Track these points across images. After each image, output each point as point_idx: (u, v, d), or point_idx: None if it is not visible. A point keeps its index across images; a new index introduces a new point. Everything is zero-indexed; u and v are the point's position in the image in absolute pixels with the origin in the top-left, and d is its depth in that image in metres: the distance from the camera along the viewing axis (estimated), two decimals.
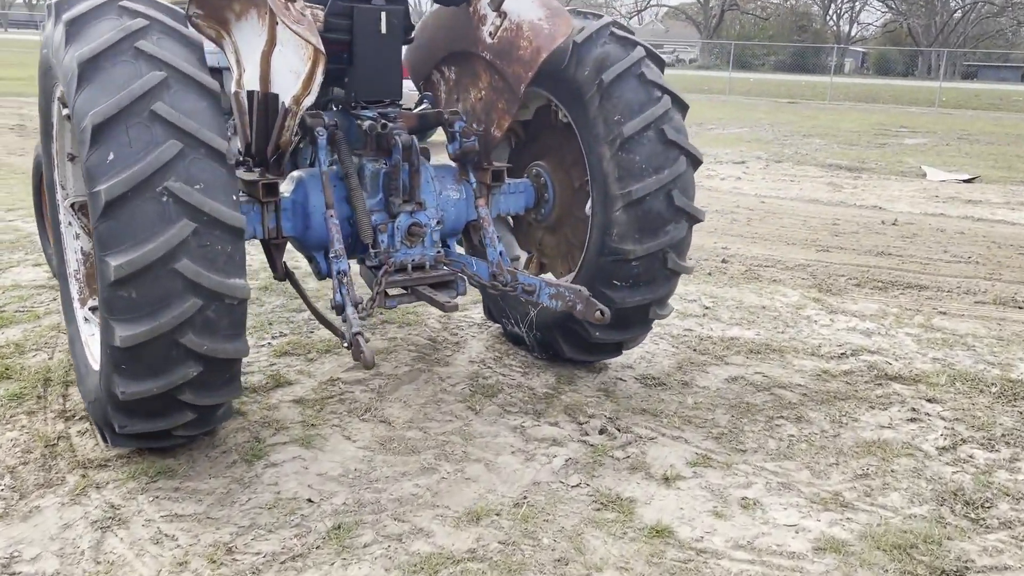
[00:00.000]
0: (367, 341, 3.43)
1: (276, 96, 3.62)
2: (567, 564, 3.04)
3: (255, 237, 3.74)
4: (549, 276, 4.12)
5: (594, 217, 4.19)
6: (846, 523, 3.37)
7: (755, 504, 3.50)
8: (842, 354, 5.30)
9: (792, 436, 4.15)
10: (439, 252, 4.06)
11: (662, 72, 4.14)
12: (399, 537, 3.16)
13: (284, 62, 3.68)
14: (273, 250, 3.89)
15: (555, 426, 4.17)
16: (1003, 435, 4.19)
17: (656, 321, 4.53)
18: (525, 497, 3.48)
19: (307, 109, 3.65)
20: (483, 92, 4.19)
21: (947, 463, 3.91)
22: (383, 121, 3.88)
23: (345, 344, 3.50)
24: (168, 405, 3.20)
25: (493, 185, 4.31)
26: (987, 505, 3.53)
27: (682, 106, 4.12)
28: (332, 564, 2.99)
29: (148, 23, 3.10)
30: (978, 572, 3.07)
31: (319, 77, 3.53)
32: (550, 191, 4.60)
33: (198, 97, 3.05)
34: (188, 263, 2.92)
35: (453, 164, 4.31)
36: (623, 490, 3.57)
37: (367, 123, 3.88)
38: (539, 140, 4.82)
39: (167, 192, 2.88)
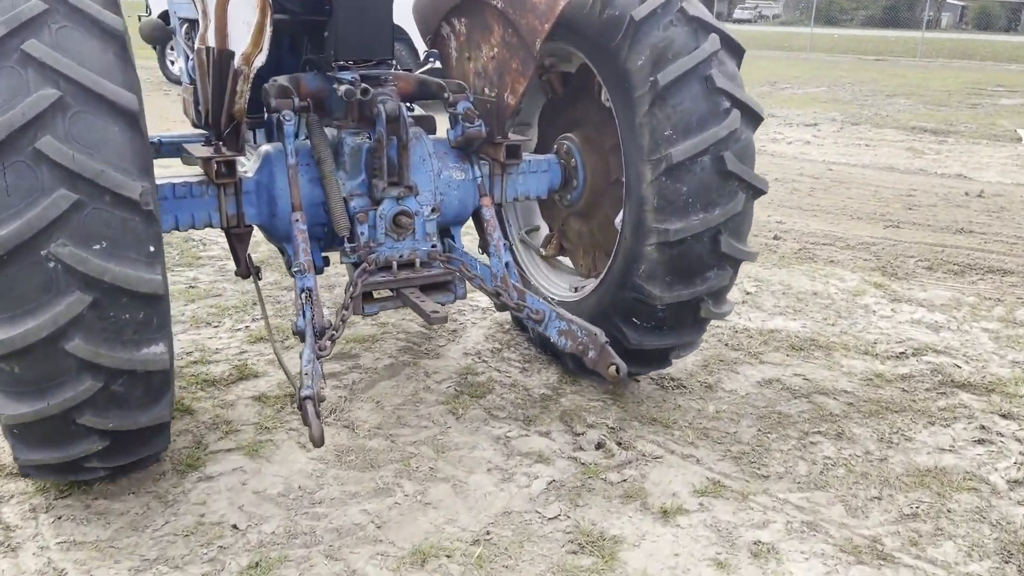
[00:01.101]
0: (318, 410, 2.69)
1: (231, 55, 3.06)
2: None
3: (210, 225, 3.18)
4: (564, 311, 3.37)
5: (623, 240, 3.46)
6: None
7: (770, 551, 2.86)
8: (901, 353, 4.54)
9: (828, 459, 3.47)
10: (433, 247, 3.41)
11: (739, 66, 3.31)
12: None
13: (239, 12, 3.13)
14: (235, 240, 3.31)
15: (545, 436, 3.58)
16: None
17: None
18: (488, 533, 2.92)
19: (280, 78, 3.31)
20: (495, 49, 3.49)
21: (1019, 502, 3.18)
22: (363, 86, 3.18)
23: (294, 404, 2.86)
24: (74, 467, 2.73)
25: (508, 163, 3.58)
26: None
27: (754, 119, 3.28)
28: None
29: (47, 7, 2.28)
30: None
31: (268, 30, 2.98)
32: (580, 175, 3.82)
33: (108, 121, 2.30)
34: (81, 343, 2.33)
35: None
36: (609, 526, 2.97)
37: (344, 88, 3.18)
38: (577, 105, 3.99)
39: (54, 258, 2.25)
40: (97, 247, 2.29)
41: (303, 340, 2.96)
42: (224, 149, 3.13)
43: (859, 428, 3.72)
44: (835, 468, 3.40)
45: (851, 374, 4.27)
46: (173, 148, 4.32)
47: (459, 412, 3.75)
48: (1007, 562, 2.83)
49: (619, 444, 3.53)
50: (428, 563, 2.74)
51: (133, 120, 2.36)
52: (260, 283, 3.38)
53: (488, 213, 3.54)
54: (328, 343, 2.92)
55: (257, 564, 2.71)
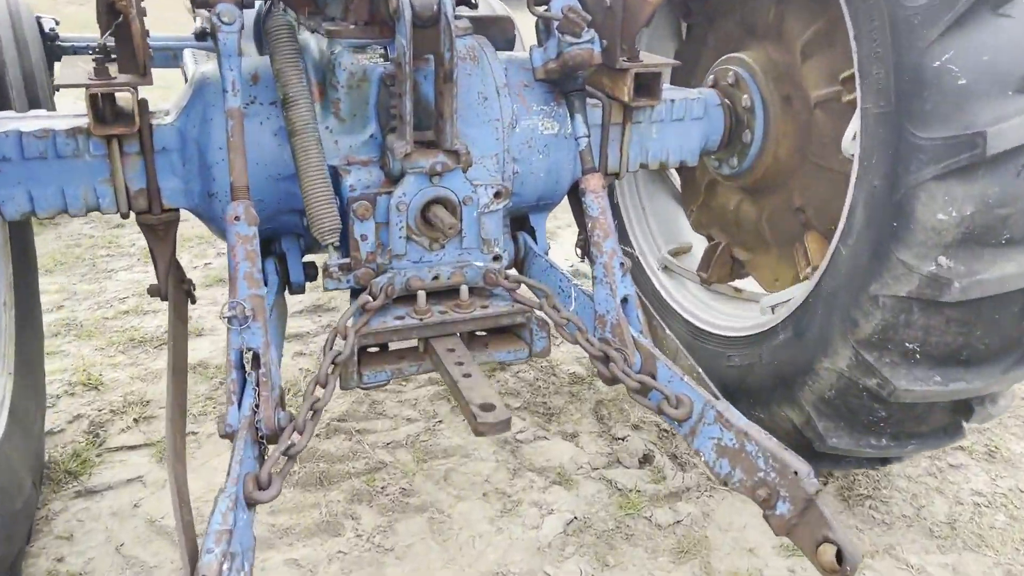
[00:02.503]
0: None
1: None
2: None
3: (96, 208, 1.86)
4: (732, 410, 1.68)
5: (841, 258, 1.98)
6: None
7: None
8: None
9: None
10: (495, 259, 1.97)
11: None
12: None
13: None
14: (148, 236, 1.96)
15: (571, 441, 2.58)
16: None
17: None
18: None
19: None
20: None
21: None
22: None
23: None
24: None
25: (638, 104, 2.15)
26: None
27: None
28: None
29: None
30: None
31: None
32: (759, 119, 2.33)
33: None
34: None
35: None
36: None
37: None
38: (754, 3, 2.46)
39: None
40: None
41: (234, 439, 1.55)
42: (115, 71, 1.80)
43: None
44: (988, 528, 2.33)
45: None
46: (169, 56, 3.17)
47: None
48: None
49: (674, 459, 2.50)
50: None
51: None
52: (192, 307, 2.07)
53: (596, 198, 2.00)
54: (279, 460, 1.45)
55: None
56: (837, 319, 1.96)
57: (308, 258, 2.12)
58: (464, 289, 1.90)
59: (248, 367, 1.58)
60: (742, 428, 1.61)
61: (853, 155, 1.95)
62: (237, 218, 1.67)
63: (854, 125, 1.97)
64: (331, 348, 1.67)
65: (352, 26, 1.94)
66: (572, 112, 2.07)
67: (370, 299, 1.80)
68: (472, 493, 2.34)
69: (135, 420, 2.61)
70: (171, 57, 3.14)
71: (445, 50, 1.75)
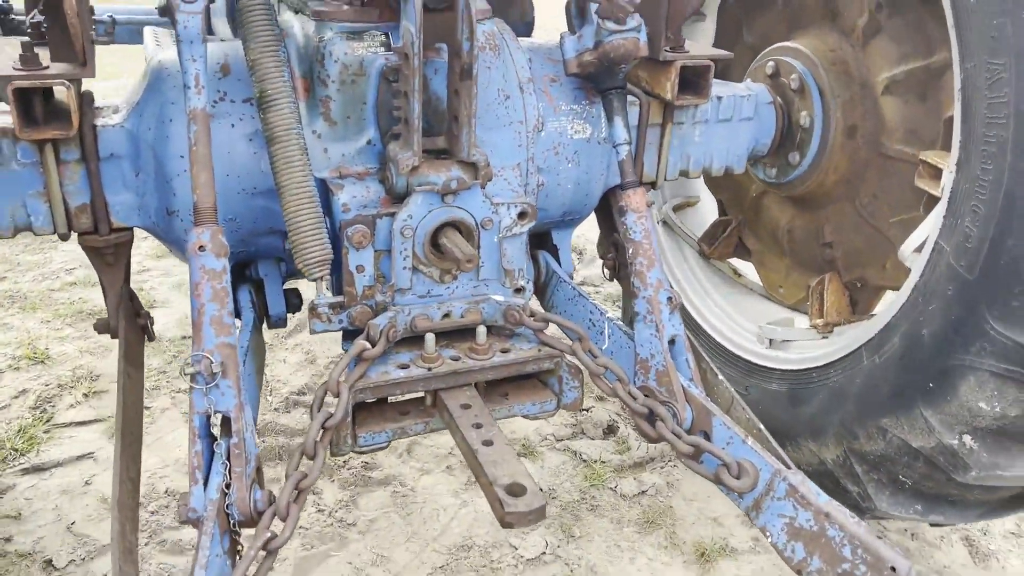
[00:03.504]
0: None
1: None
2: None
3: (28, 228, 1.54)
4: (806, 482, 1.38)
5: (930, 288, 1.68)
6: None
7: None
8: None
9: None
10: (518, 292, 1.66)
11: None
12: None
13: None
14: (93, 260, 1.64)
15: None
16: None
17: None
18: None
19: None
20: None
21: None
22: None
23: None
24: None
25: (683, 104, 1.84)
26: None
27: None
28: None
29: None
30: None
31: None
32: (817, 119, 2.01)
33: None
34: None
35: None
36: (619, 574, 1.97)
37: None
38: None
39: None
40: None
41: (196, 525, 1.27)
42: (46, 61, 1.44)
43: None
44: None
45: None
46: (135, 31, 2.67)
47: None
48: None
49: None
50: None
51: None
52: (148, 346, 1.78)
53: (640, 219, 1.70)
54: (257, 558, 1.20)
55: None
56: (836, 418, 1.84)
57: (290, 284, 1.78)
58: (481, 330, 1.55)
59: (217, 435, 1.28)
60: (821, 508, 1.33)
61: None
62: (202, 248, 1.33)
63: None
64: (319, 409, 1.35)
65: (346, 7, 1.60)
66: (610, 114, 1.74)
67: (368, 345, 1.45)
68: (436, 467, 2.31)
69: (84, 395, 2.52)
70: (136, 33, 2.64)
71: (463, 39, 1.42)
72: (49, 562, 1.92)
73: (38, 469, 2.21)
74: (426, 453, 2.35)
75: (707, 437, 1.47)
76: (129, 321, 1.64)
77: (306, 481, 1.24)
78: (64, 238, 1.55)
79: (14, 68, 1.37)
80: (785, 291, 2.31)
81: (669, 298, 1.62)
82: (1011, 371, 1.51)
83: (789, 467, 1.39)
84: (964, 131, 1.57)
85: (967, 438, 1.59)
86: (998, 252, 1.50)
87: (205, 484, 1.23)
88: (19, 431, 2.32)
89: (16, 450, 2.25)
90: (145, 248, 3.46)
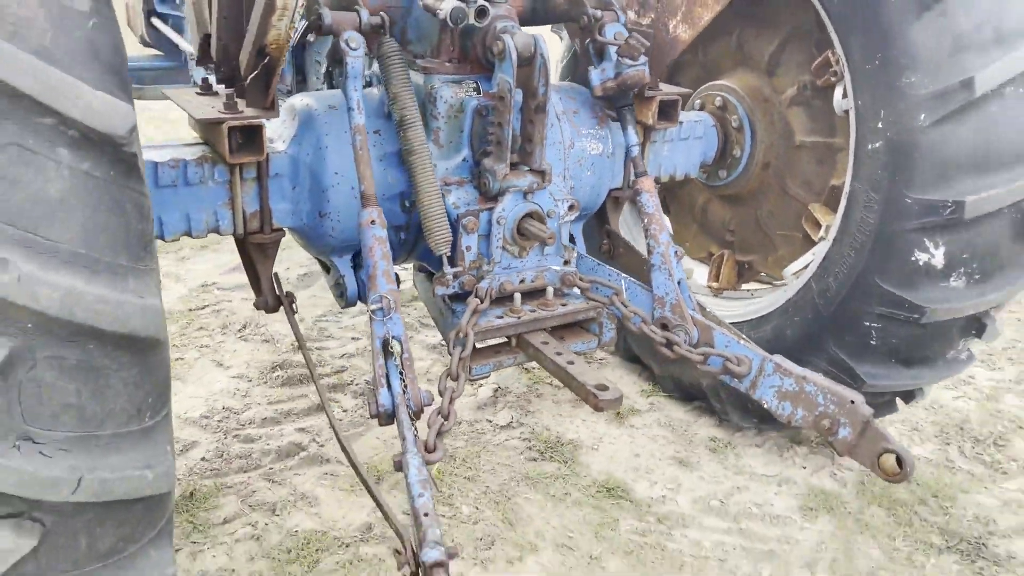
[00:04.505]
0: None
1: None
2: (493, 544, 2.33)
3: (216, 230, 2.00)
4: (788, 363, 2.05)
5: (847, 235, 2.38)
6: (838, 471, 2.74)
7: (727, 446, 2.83)
8: None
9: None
10: (567, 263, 2.26)
11: None
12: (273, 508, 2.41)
13: None
14: (255, 253, 2.12)
15: None
16: None
17: None
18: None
19: None
20: None
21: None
22: (480, 2, 2.01)
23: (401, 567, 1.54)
24: None
25: (659, 127, 2.48)
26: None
27: None
28: (178, 552, 2.22)
29: None
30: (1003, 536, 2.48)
31: None
32: (747, 137, 2.72)
33: None
34: None
35: (581, 87, 2.49)
36: (564, 431, 2.86)
37: (449, 4, 1.96)
38: (741, 32, 2.80)
39: None
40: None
41: (383, 422, 1.78)
42: (242, 104, 1.92)
43: None
44: None
45: None
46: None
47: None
48: (947, 444, 2.93)
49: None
50: (384, 480, 2.54)
51: None
52: (296, 316, 2.23)
53: (651, 197, 2.32)
54: (434, 441, 1.72)
55: (191, 495, 2.42)
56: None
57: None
58: (550, 290, 2.16)
59: (392, 354, 1.79)
60: (800, 374, 1.97)
61: (847, 110, 2.34)
62: (372, 222, 1.89)
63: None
64: (456, 346, 1.92)
65: (447, 63, 2.14)
66: (624, 124, 2.36)
67: (479, 302, 2.02)
68: (422, 380, 3.11)
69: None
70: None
71: (540, 85, 2.00)
72: None
73: None
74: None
75: (711, 347, 2.12)
76: (284, 300, 2.18)
77: (455, 393, 1.82)
78: (239, 238, 2.06)
79: (220, 113, 1.87)
80: (690, 246, 3.13)
81: (676, 251, 2.26)
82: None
83: (775, 362, 2.02)
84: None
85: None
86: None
87: (389, 387, 1.75)
88: None
89: None
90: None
